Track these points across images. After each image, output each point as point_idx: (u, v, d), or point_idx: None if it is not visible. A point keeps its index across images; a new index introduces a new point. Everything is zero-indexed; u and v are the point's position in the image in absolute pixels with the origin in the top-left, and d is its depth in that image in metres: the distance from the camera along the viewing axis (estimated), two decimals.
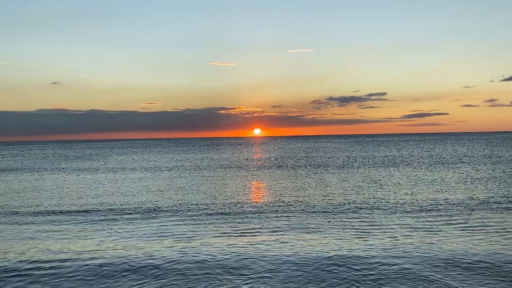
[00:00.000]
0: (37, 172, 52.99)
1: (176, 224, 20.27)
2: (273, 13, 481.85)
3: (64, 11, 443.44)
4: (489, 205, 23.30)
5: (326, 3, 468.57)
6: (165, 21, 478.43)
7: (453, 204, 24.02)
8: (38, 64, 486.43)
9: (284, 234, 17.71)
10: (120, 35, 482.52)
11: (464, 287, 11.24)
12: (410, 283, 11.66)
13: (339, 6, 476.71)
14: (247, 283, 11.82)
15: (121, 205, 26.50)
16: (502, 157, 60.43)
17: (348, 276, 12.42)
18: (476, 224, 18.63)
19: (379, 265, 13.13)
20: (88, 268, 13.53)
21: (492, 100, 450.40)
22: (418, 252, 14.34)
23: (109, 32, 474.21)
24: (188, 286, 11.74)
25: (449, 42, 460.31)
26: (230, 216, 22.24)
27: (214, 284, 11.86)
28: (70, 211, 24.46)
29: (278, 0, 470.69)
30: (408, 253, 14.19)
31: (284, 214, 22.28)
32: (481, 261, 13.12)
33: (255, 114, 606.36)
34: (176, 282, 12.01)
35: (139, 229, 19.47)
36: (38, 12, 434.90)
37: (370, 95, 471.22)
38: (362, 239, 16.53)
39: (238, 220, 21.12)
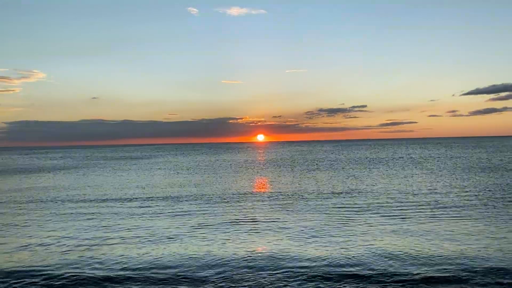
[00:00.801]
0: (81, 170, 53.48)
1: (196, 210, 20.48)
2: (273, 40, 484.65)
3: (103, 39, 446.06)
4: (448, 193, 23.34)
5: (317, 31, 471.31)
6: (185, 47, 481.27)
7: (420, 194, 24.14)
8: (80, 83, 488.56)
9: (282, 220, 17.90)
10: (148, 58, 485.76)
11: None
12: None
13: (328, 34, 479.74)
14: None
15: (152, 194, 26.73)
16: (460, 158, 60.44)
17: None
18: (438, 216, 18.40)
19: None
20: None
21: (453, 111, 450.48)
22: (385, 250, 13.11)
23: (139, 56, 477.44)
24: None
25: (418, 63, 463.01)
26: (239, 203, 22.44)
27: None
28: (110, 200, 24.76)
29: (277, 29, 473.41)
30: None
31: (283, 203, 22.43)
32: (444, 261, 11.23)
33: (259, 123, 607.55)
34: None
35: (164, 213, 19.90)
36: (80, 39, 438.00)
37: (353, 107, 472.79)
38: (342, 223, 16.72)
39: (244, 206, 21.26)
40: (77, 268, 11.36)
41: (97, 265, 11.57)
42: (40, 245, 13.93)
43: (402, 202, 21.45)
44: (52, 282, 10.40)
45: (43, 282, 10.43)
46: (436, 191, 25.53)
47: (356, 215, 18.28)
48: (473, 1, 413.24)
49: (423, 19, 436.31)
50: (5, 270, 11.36)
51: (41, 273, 11.07)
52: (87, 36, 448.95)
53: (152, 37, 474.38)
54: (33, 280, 10.57)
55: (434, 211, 18.65)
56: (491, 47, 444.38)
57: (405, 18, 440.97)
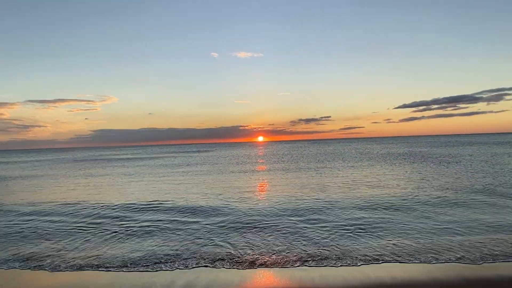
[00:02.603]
0: (143, 161, 54.80)
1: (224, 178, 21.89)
2: (268, 73, 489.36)
3: (155, 73, 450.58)
4: (381, 174, 24.46)
5: (297, 66, 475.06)
6: (210, 78, 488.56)
7: (362, 171, 25.43)
8: (140, 103, 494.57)
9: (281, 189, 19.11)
10: (185, 86, 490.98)
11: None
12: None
13: (304, 69, 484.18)
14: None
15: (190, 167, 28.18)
16: (391, 150, 61.48)
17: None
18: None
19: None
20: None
21: (388, 119, 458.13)
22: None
23: (179, 85, 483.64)
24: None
25: (365, 86, 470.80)
26: (248, 174, 23.56)
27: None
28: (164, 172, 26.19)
29: (271, 66, 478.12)
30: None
31: (275, 176, 23.70)
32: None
33: (259, 129, 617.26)
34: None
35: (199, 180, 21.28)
36: (139, 74, 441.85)
37: (322, 117, 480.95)
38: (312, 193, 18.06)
39: (252, 176, 22.49)
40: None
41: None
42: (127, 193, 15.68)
43: (353, 180, 22.02)
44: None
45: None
46: (372, 170, 26.66)
47: (320, 185, 19.38)
48: (401, 41, 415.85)
49: (369, 56, 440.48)
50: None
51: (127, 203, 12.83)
52: (144, 71, 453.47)
53: (187, 72, 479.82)
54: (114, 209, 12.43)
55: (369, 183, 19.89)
56: (413, 74, 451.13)
57: (356, 54, 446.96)
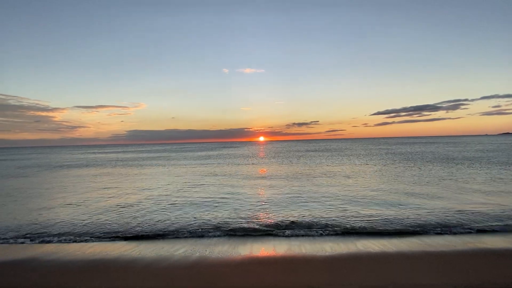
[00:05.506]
0: (168, 154, 55.34)
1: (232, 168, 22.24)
2: (268, 85, 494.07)
3: (177, 84, 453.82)
4: (353, 165, 25.05)
5: (292, 80, 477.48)
6: (220, 90, 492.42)
7: (338, 163, 25.89)
8: (165, 109, 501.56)
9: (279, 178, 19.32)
10: (201, 96, 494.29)
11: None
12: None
13: (298, 81, 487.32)
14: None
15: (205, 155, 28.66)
16: (367, 150, 61.74)
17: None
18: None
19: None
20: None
21: (365, 124, 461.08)
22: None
23: (196, 95, 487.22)
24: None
25: (346, 96, 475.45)
26: (250, 162, 24.17)
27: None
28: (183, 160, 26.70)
29: (270, 79, 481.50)
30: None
31: (272, 166, 24.31)
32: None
33: (260, 130, 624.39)
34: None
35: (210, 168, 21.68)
36: (163, 86, 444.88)
37: (311, 121, 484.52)
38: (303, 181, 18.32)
39: (254, 165, 23.07)
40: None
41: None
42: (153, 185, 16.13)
43: (336, 172, 21.11)
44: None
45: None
46: (350, 161, 27.34)
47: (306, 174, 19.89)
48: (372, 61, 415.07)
49: (350, 71, 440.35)
50: None
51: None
52: (168, 83, 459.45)
53: (204, 84, 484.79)
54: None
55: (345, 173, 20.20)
56: (386, 86, 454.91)
57: (340, 69, 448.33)
